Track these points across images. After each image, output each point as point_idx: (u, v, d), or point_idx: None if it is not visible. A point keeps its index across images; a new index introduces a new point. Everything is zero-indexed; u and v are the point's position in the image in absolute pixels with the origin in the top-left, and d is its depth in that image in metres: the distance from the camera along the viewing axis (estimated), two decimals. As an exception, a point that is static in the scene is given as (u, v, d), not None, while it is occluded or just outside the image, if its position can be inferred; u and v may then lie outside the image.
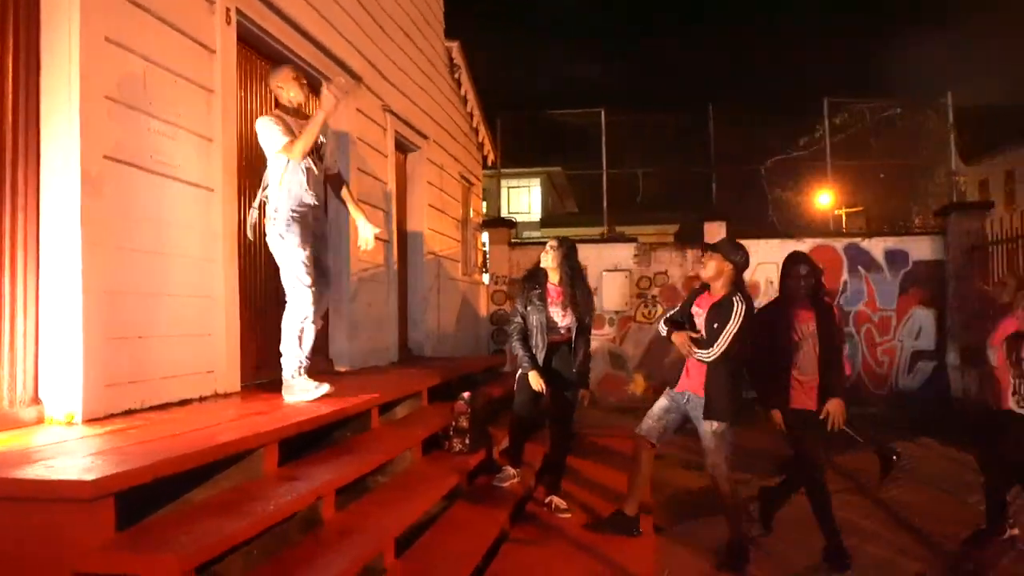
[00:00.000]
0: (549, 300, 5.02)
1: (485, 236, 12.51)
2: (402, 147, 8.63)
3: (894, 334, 11.17)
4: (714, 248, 4.44)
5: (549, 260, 5.03)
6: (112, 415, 3.75)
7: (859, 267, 11.23)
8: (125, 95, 3.93)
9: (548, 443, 5.28)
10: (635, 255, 11.80)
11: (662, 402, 4.57)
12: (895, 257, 11.21)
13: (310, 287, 4.24)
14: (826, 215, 14.43)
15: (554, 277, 5.06)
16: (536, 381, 4.90)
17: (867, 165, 12.52)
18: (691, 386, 4.39)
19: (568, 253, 5.06)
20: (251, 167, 5.35)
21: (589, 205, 17.51)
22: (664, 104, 18.52)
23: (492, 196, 15.93)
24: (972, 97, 12.26)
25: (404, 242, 8.72)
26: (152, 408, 4.09)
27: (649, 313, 11.71)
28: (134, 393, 4.01)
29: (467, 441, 4.98)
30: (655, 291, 11.73)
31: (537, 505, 5.05)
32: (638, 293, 11.78)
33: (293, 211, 4.28)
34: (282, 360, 4.35)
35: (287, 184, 4.29)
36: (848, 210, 16.27)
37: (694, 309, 4.50)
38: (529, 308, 5.03)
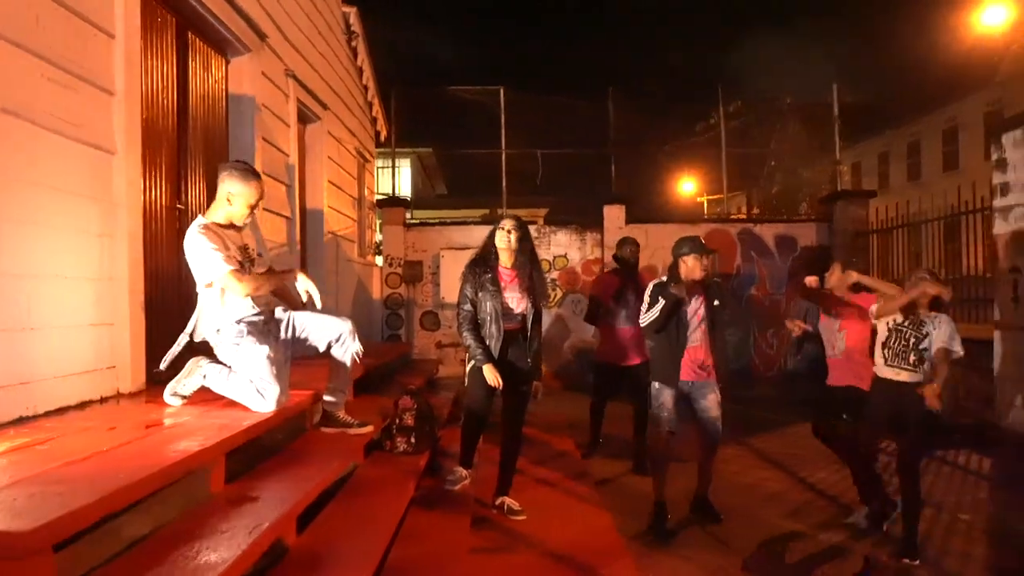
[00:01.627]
0: (503, 284, 4.59)
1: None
2: (303, 117, 7.93)
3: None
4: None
5: (505, 241, 4.60)
6: (1, 425, 3.05)
7: (752, 252, 11.44)
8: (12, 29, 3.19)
9: (500, 440, 4.85)
10: (535, 237, 11.47)
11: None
12: (785, 243, 11.49)
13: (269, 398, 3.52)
14: (698, 202, 14.70)
15: (507, 260, 4.64)
16: (492, 375, 4.47)
17: (758, 152, 12.78)
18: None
19: (524, 234, 4.66)
20: (155, 129, 4.63)
21: (469, 187, 17.11)
22: (564, 85, 18.14)
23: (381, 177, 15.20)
24: (848, 91, 12.56)
25: (305, 221, 8.03)
26: (47, 414, 3.39)
27: (549, 297, 11.48)
28: (24, 397, 3.30)
29: (412, 440, 4.50)
30: (554, 275, 11.51)
31: (486, 508, 4.65)
32: (538, 277, 11.51)
33: (241, 322, 3.62)
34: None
35: (228, 303, 3.61)
36: (709, 197, 16.90)
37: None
38: (481, 294, 4.55)
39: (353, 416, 4.17)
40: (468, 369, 4.71)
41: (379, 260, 11.89)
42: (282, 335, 3.80)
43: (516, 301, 4.61)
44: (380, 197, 12.23)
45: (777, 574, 4.01)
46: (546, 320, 11.47)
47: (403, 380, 6.06)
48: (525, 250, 4.65)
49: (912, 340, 4.44)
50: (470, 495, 4.55)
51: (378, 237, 12.18)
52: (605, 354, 6.51)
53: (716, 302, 4.75)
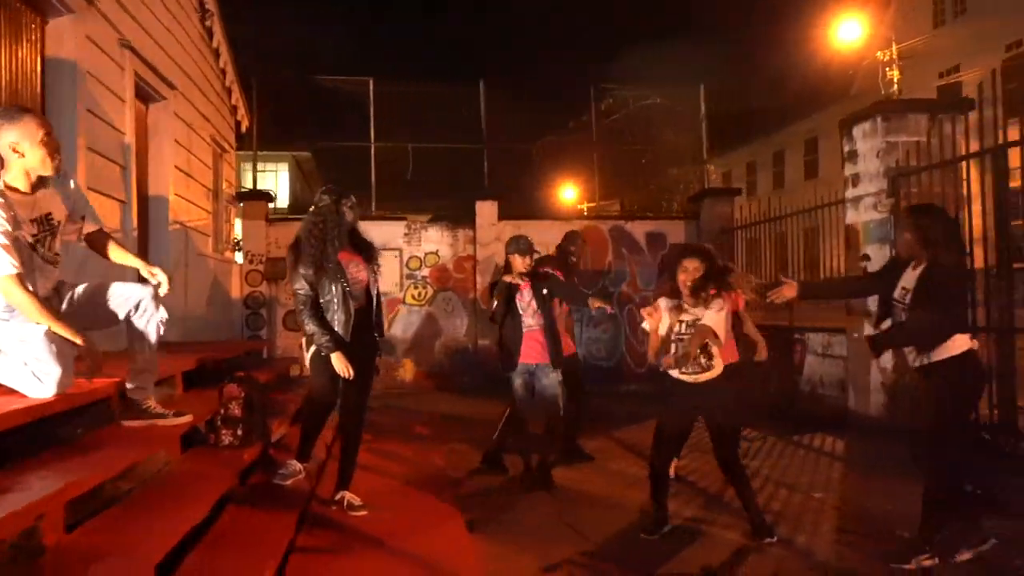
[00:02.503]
0: (344, 261, 4.23)
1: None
2: (144, 95, 7.32)
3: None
4: None
5: (351, 216, 4.30)
6: None
7: (623, 249, 11.49)
8: None
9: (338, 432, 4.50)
10: (405, 234, 11.17)
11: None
12: (655, 240, 11.60)
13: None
14: (574, 204, 14.75)
15: (342, 235, 4.29)
16: (342, 365, 4.12)
17: (630, 150, 12.88)
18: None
19: (353, 204, 4.35)
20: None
21: (344, 184, 16.52)
22: (436, 78, 17.78)
23: (246, 175, 14.44)
24: (716, 101, 12.87)
25: (145, 207, 7.40)
26: None
27: (419, 295, 11.15)
28: None
29: (239, 432, 4.07)
30: (425, 271, 11.19)
31: (324, 505, 4.28)
32: (408, 274, 11.17)
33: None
34: None
35: None
36: (590, 204, 16.97)
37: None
38: (322, 276, 4.15)
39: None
40: (308, 356, 4.34)
41: (239, 257, 11.23)
42: (64, 306, 3.31)
43: (361, 278, 4.27)
44: (242, 191, 11.56)
45: (635, 560, 3.83)
46: (416, 319, 11.19)
47: (252, 375, 5.57)
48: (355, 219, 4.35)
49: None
50: (305, 491, 4.18)
51: (238, 233, 11.51)
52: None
53: (544, 291, 5.26)
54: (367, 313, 4.32)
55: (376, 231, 11.03)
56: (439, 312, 11.19)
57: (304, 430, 4.34)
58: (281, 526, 3.47)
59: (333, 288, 4.14)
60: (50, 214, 3.27)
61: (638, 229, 11.53)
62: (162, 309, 3.46)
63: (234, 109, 11.22)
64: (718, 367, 4.13)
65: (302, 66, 12.21)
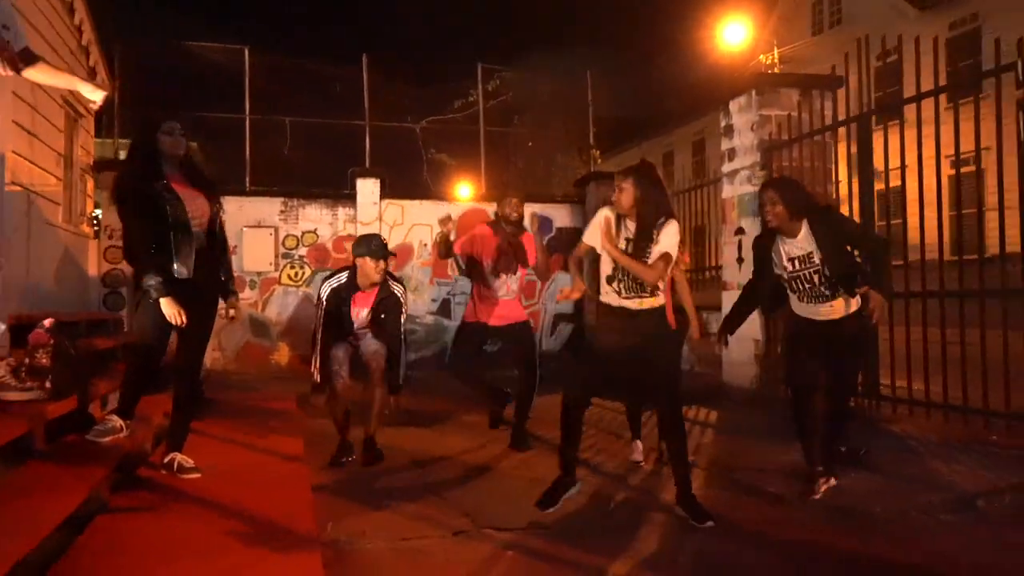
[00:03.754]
0: (178, 190, 3.77)
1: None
2: (-28, 36, 6.58)
3: (539, 298, 11.44)
4: None
5: (177, 144, 3.87)
6: None
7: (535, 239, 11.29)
8: None
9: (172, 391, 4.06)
10: (282, 211, 10.64)
11: None
12: (541, 224, 11.46)
13: None
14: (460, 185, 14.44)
15: (175, 165, 3.86)
16: (173, 311, 3.66)
17: (517, 133, 12.75)
18: None
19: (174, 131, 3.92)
20: None
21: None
22: (318, 51, 17.18)
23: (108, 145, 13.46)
24: (606, 108, 12.90)
25: (-26, 161, 6.66)
26: None
27: (296, 275, 10.64)
28: None
29: (47, 384, 3.59)
30: (303, 251, 10.68)
31: (154, 469, 3.86)
32: (284, 253, 10.63)
33: None
34: None
35: None
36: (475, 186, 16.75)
37: None
38: (147, 206, 3.68)
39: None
40: (138, 298, 3.88)
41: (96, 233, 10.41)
42: None
43: (196, 204, 3.84)
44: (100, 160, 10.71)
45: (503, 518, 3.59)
46: (293, 300, 10.66)
47: (88, 341, 5.05)
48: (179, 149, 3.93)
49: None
50: (124, 450, 3.73)
51: (98, 212, 10.67)
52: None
53: (383, 315, 4.70)
54: (208, 254, 3.91)
55: (250, 207, 10.52)
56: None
57: (126, 384, 3.86)
58: (85, 488, 3.03)
59: (166, 222, 3.70)
60: None
61: (524, 212, 11.35)
62: None
63: (92, 72, 10.39)
64: (662, 296, 3.78)
65: (172, 32, 11.40)
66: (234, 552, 2.77)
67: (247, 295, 10.36)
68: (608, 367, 3.85)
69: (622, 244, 3.65)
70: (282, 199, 10.68)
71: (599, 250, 3.74)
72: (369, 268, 4.51)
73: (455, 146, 12.29)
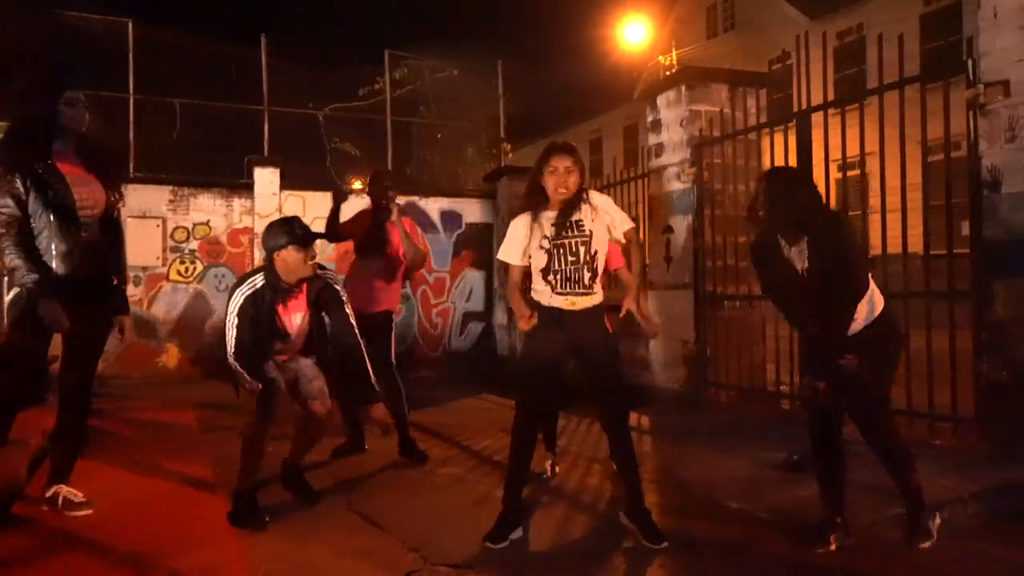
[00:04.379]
0: (69, 176, 3.17)
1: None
2: None
3: (448, 296, 11.03)
4: None
5: (79, 120, 3.27)
6: None
7: (416, 227, 10.82)
8: None
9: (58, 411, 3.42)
10: (170, 200, 9.77)
11: None
12: (450, 219, 11.08)
13: None
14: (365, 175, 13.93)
15: (71, 144, 3.27)
16: (53, 314, 3.08)
17: (424, 124, 12.30)
18: None
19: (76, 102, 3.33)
20: None
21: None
22: (211, 29, 16.09)
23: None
24: (516, 102, 12.60)
25: None
26: None
27: (187, 270, 9.80)
28: None
29: None
30: (194, 244, 9.85)
31: (33, 506, 3.24)
32: (173, 246, 9.77)
33: None
34: None
35: None
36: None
37: None
38: (27, 188, 3.08)
39: None
40: (9, 298, 3.24)
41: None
42: None
43: (93, 201, 3.25)
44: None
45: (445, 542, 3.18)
46: (183, 297, 9.81)
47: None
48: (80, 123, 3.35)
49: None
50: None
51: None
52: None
53: (326, 315, 3.79)
54: (100, 250, 3.31)
55: (135, 196, 9.56)
56: (210, 290, 9.89)
57: (-6, 401, 3.21)
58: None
59: (47, 208, 3.09)
60: None
61: (432, 206, 10.94)
62: None
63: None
64: (599, 294, 3.42)
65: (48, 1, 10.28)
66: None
67: (131, 291, 9.41)
68: (550, 375, 3.49)
69: (548, 232, 3.40)
70: (171, 188, 9.81)
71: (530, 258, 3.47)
72: (294, 261, 3.47)
73: (360, 136, 11.68)
